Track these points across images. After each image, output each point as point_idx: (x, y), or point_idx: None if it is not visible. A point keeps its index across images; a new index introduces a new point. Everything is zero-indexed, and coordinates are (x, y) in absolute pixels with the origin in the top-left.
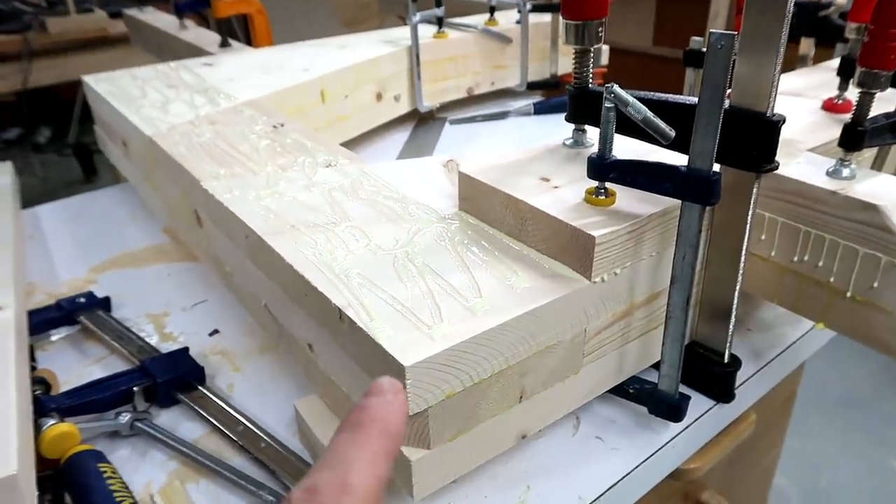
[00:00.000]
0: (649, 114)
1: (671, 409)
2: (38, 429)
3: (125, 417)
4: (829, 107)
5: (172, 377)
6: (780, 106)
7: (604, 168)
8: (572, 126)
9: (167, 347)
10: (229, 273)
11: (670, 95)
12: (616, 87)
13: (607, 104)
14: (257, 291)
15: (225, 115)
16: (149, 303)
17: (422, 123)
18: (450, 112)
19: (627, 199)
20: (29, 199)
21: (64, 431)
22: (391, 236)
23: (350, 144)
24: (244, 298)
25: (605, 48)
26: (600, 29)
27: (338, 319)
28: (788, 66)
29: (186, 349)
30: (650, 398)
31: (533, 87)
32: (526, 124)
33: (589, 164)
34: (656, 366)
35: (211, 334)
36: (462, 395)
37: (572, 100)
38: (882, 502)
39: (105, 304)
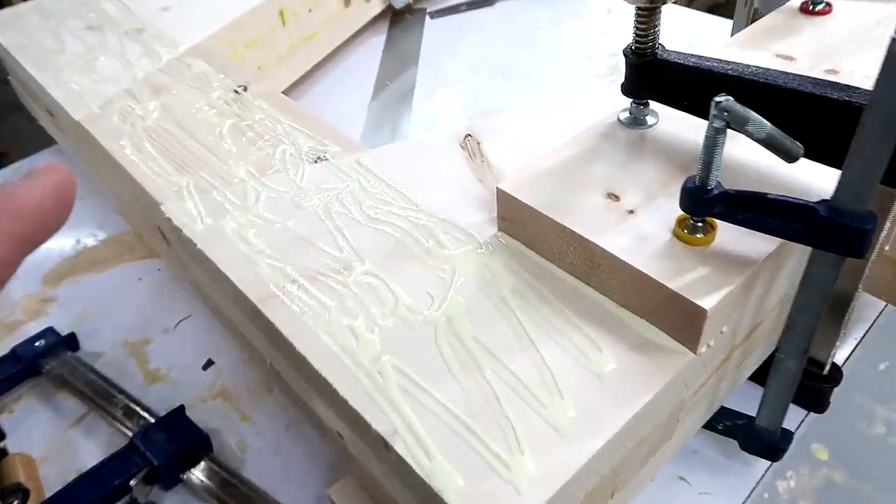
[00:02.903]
0: (775, 131)
1: (769, 448)
2: None
3: None
4: None
5: (173, 454)
6: None
7: (706, 203)
8: (580, 25)
9: (156, 393)
10: (216, 306)
11: (756, 68)
12: (730, 101)
13: (716, 123)
14: (260, 347)
15: (170, 76)
16: (122, 324)
17: (398, 22)
18: (428, 2)
19: (725, 226)
20: None
21: None
22: (422, 288)
23: (322, 66)
24: (238, 337)
25: None
26: None
27: (382, 447)
28: None
29: (182, 409)
30: (744, 434)
31: None
32: (517, 12)
33: (686, 196)
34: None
35: (206, 367)
36: None
37: (634, 70)
38: None
39: (71, 342)
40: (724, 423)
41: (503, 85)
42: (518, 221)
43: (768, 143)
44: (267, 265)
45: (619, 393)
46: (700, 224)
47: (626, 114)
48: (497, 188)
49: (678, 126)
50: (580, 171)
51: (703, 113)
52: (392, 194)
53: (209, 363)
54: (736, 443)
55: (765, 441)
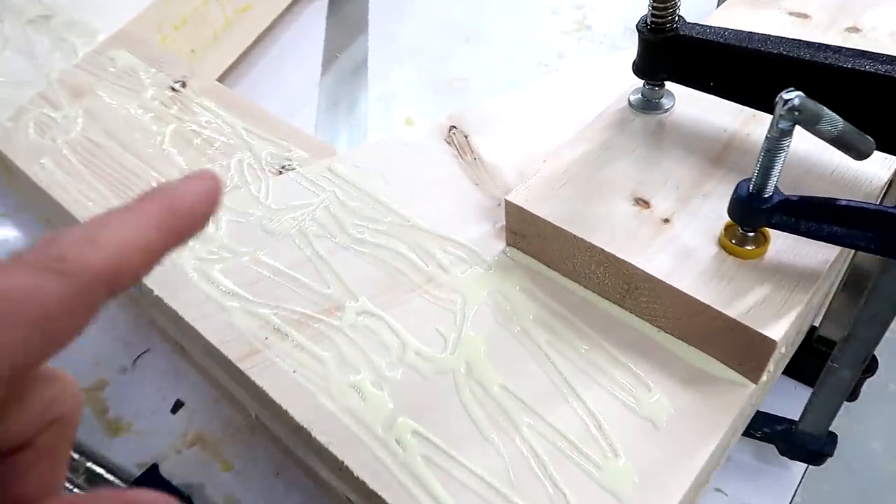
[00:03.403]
0: (848, 127)
1: (813, 454)
2: None
3: None
4: None
5: None
6: None
7: (763, 213)
8: None
9: (121, 447)
10: (181, 347)
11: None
12: (801, 98)
13: (783, 124)
14: (243, 400)
15: (91, 74)
16: (70, 367)
17: None
18: None
19: (777, 232)
20: None
21: None
22: (430, 326)
23: (262, 41)
24: (212, 379)
25: None
26: None
27: None
28: None
29: (155, 469)
30: (784, 440)
31: None
32: None
33: (738, 206)
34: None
35: (175, 409)
36: None
37: (651, 48)
38: None
39: None
40: (763, 429)
41: (465, 49)
42: (532, 237)
43: (838, 142)
44: (242, 312)
45: (680, 443)
46: (751, 234)
47: (638, 96)
48: (506, 201)
49: (699, 108)
50: (599, 173)
51: (731, 94)
52: (376, 208)
53: (178, 405)
54: (769, 446)
55: (809, 446)
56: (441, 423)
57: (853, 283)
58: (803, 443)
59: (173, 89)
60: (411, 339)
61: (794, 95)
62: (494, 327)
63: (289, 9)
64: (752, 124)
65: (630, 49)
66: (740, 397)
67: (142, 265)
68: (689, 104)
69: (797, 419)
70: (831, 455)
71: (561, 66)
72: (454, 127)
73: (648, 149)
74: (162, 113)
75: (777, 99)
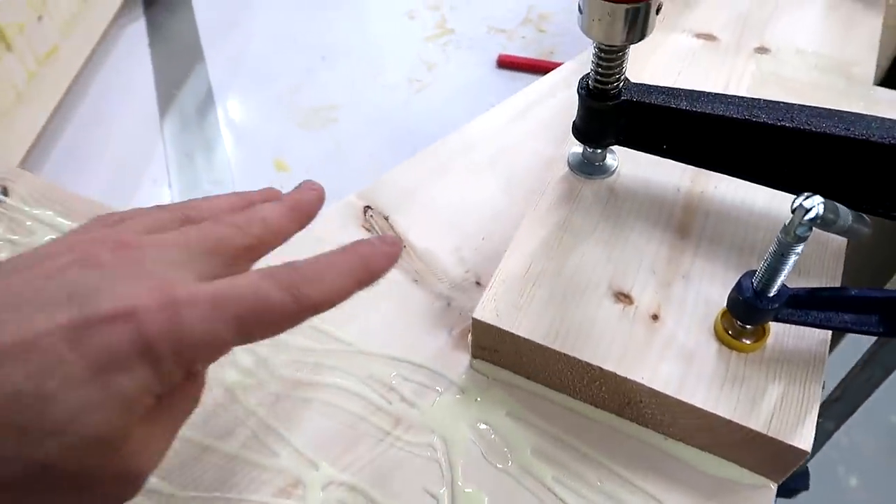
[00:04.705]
0: (853, 215)
1: (785, 489)
2: None
3: None
4: None
5: None
6: None
7: (767, 312)
8: None
9: None
10: None
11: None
12: (821, 204)
13: (801, 231)
14: None
15: None
16: None
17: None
18: None
19: None
20: None
21: None
22: (415, 486)
23: (78, 87)
24: None
25: None
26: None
27: None
28: None
29: None
30: None
31: None
32: None
33: (741, 307)
34: None
35: None
36: None
37: (595, 114)
38: None
39: None
40: None
41: (323, 70)
42: (508, 353)
43: (846, 232)
44: None
45: None
46: (751, 326)
47: (579, 158)
48: (473, 319)
49: (644, 166)
50: (566, 264)
51: (685, 157)
52: (307, 333)
53: None
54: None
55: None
56: None
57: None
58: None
59: None
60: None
61: (814, 203)
62: (489, 472)
63: (104, 39)
64: (702, 180)
65: (491, 51)
66: (765, 500)
67: (332, 306)
68: (632, 162)
69: None
70: (805, 488)
71: (434, 80)
72: (369, 207)
73: (609, 224)
74: None
75: (795, 206)
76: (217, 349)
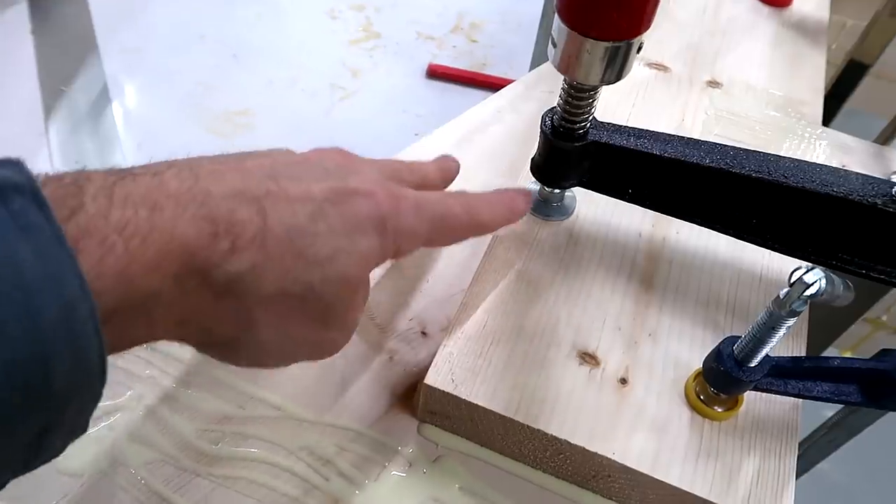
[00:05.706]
0: (843, 282)
1: None
2: None
3: None
4: None
5: None
6: None
7: (747, 383)
8: None
9: None
10: None
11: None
12: (823, 279)
13: (797, 306)
14: None
15: None
16: None
17: None
18: None
19: None
20: None
21: None
22: None
23: None
24: None
25: None
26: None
27: None
28: None
29: None
30: None
31: None
32: None
33: (721, 378)
34: None
35: None
36: None
37: (559, 154)
38: None
39: None
40: None
41: (235, 69)
42: (460, 420)
43: (835, 301)
44: None
45: None
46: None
47: (536, 197)
48: (425, 385)
49: (602, 208)
50: (526, 317)
51: (651, 203)
52: (224, 395)
53: None
54: None
55: None
56: None
57: None
58: None
59: None
60: None
61: (816, 278)
62: None
63: None
64: (663, 224)
65: (420, 59)
66: None
67: (492, 230)
68: (590, 202)
69: None
70: None
71: (359, 88)
72: None
73: (570, 274)
74: None
75: (794, 279)
76: (415, 242)
